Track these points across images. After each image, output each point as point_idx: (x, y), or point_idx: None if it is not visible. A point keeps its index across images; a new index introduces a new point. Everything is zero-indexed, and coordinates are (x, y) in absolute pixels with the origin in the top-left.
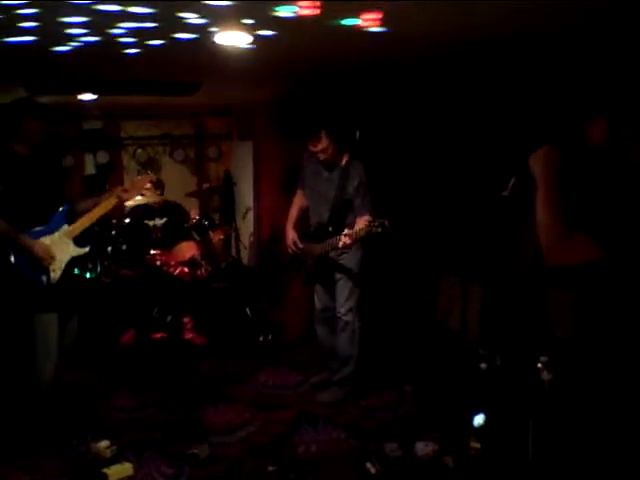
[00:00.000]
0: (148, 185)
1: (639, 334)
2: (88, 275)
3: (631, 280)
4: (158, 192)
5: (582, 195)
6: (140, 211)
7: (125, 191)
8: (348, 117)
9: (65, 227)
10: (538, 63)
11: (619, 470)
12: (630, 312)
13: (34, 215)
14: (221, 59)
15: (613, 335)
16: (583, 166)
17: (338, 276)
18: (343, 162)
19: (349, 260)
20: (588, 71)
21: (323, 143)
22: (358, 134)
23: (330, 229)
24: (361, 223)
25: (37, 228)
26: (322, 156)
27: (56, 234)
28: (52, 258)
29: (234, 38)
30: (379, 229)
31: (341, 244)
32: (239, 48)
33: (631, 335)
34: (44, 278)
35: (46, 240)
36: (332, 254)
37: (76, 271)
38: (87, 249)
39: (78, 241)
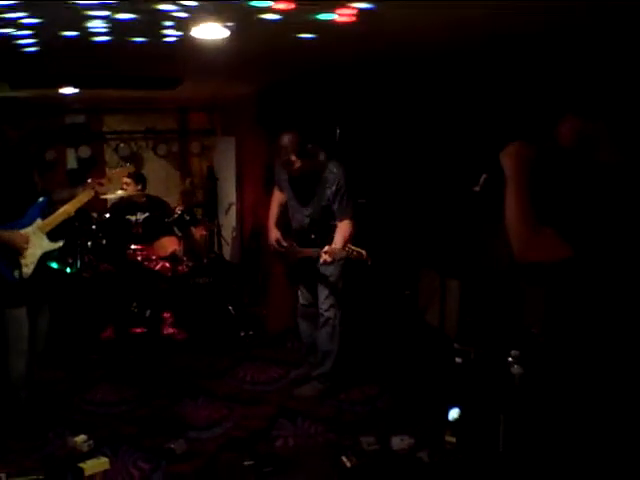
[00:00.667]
0: (128, 180)
1: (606, 330)
2: (68, 270)
3: (598, 277)
4: (139, 187)
5: (551, 192)
6: (121, 206)
7: (101, 184)
8: (328, 114)
9: (39, 221)
10: (511, 61)
11: (589, 462)
12: (597, 309)
13: (8, 209)
14: (200, 53)
15: (580, 331)
16: (553, 163)
17: (321, 272)
18: (318, 166)
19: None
20: (560, 70)
21: (292, 158)
22: (338, 131)
23: (312, 236)
24: (340, 235)
25: (11, 222)
26: (289, 168)
27: (29, 228)
28: (28, 244)
29: (211, 31)
30: (356, 256)
31: (322, 261)
32: (216, 41)
33: (598, 331)
34: (16, 274)
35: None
36: (315, 251)
37: (55, 265)
38: (60, 244)
39: (52, 235)
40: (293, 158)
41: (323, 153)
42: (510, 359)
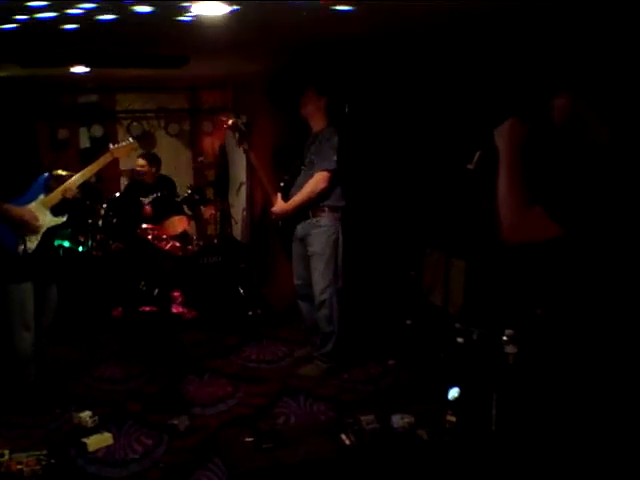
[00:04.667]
0: (143, 162)
1: (598, 310)
2: (80, 249)
3: (588, 256)
4: (154, 169)
5: (541, 170)
6: (133, 186)
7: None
8: (338, 89)
9: (42, 197)
10: (505, 37)
11: (579, 444)
12: (587, 289)
13: (10, 186)
14: (205, 30)
15: (573, 311)
16: (544, 141)
17: (310, 251)
18: (318, 127)
19: (320, 235)
20: (554, 46)
21: (310, 99)
22: (347, 108)
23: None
24: (304, 189)
25: (15, 198)
26: (303, 112)
27: (33, 204)
28: (39, 226)
29: (212, 8)
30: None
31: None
32: (225, 18)
33: (591, 311)
34: (21, 247)
35: None
36: (304, 228)
37: (67, 244)
38: (64, 218)
39: (55, 211)
40: (312, 100)
41: (327, 119)
42: (504, 338)
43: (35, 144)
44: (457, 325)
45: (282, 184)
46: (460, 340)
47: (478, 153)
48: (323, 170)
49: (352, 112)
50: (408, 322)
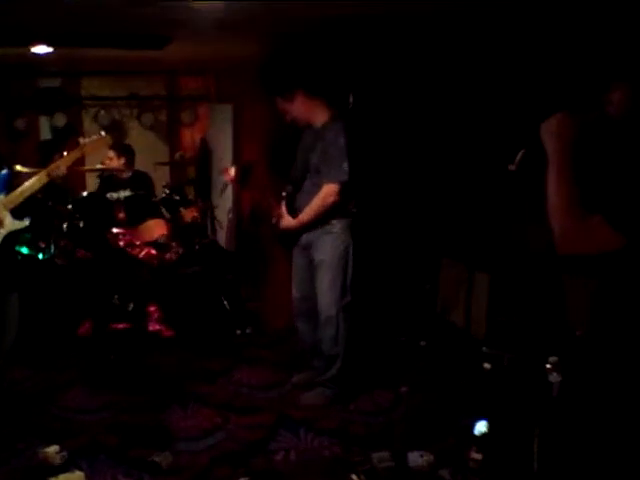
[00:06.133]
0: (110, 153)
1: None
2: (40, 256)
3: None
4: (122, 161)
5: (598, 172)
6: (102, 182)
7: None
8: (340, 77)
9: (1, 197)
10: (554, 23)
11: None
12: None
13: None
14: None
15: (632, 333)
16: (601, 138)
17: (317, 260)
18: (319, 122)
19: (330, 242)
20: (608, 31)
21: (300, 103)
22: (352, 99)
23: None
24: (312, 203)
25: None
26: (288, 117)
27: None
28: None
29: None
30: None
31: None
32: None
33: None
34: None
35: None
36: (311, 234)
37: (25, 250)
38: (27, 222)
39: (16, 213)
40: (298, 102)
41: (329, 111)
42: (548, 366)
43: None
44: (484, 349)
45: (285, 194)
46: (487, 366)
47: (521, 152)
48: (333, 182)
49: (359, 103)
50: (422, 343)
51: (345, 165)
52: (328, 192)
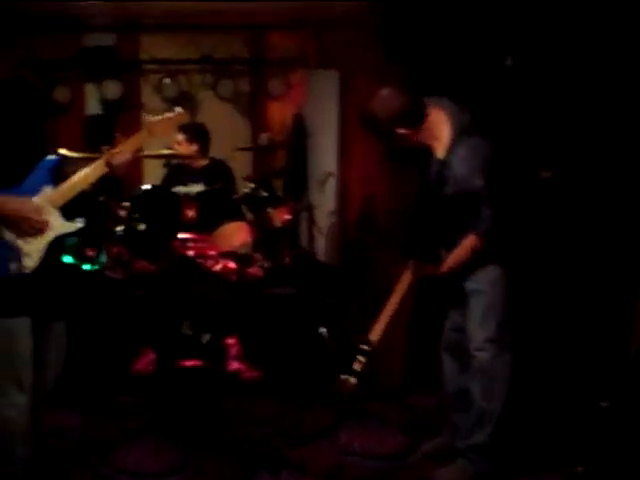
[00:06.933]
0: (179, 137)
1: None
2: (88, 267)
3: None
4: (195, 147)
5: None
6: (168, 174)
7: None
8: (494, 36)
9: (48, 190)
10: None
11: None
12: None
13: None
14: None
15: None
16: None
17: (469, 288)
18: (447, 150)
19: (485, 267)
20: None
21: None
22: (510, 60)
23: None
24: (454, 253)
25: (6, 188)
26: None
27: (35, 199)
28: (45, 224)
29: None
30: None
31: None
32: None
33: None
34: (14, 267)
35: None
36: None
37: (70, 260)
38: (80, 225)
39: (67, 212)
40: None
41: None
42: None
43: (45, 111)
44: None
45: None
46: None
47: None
48: (476, 234)
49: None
50: (604, 404)
51: (489, 211)
52: (470, 245)
